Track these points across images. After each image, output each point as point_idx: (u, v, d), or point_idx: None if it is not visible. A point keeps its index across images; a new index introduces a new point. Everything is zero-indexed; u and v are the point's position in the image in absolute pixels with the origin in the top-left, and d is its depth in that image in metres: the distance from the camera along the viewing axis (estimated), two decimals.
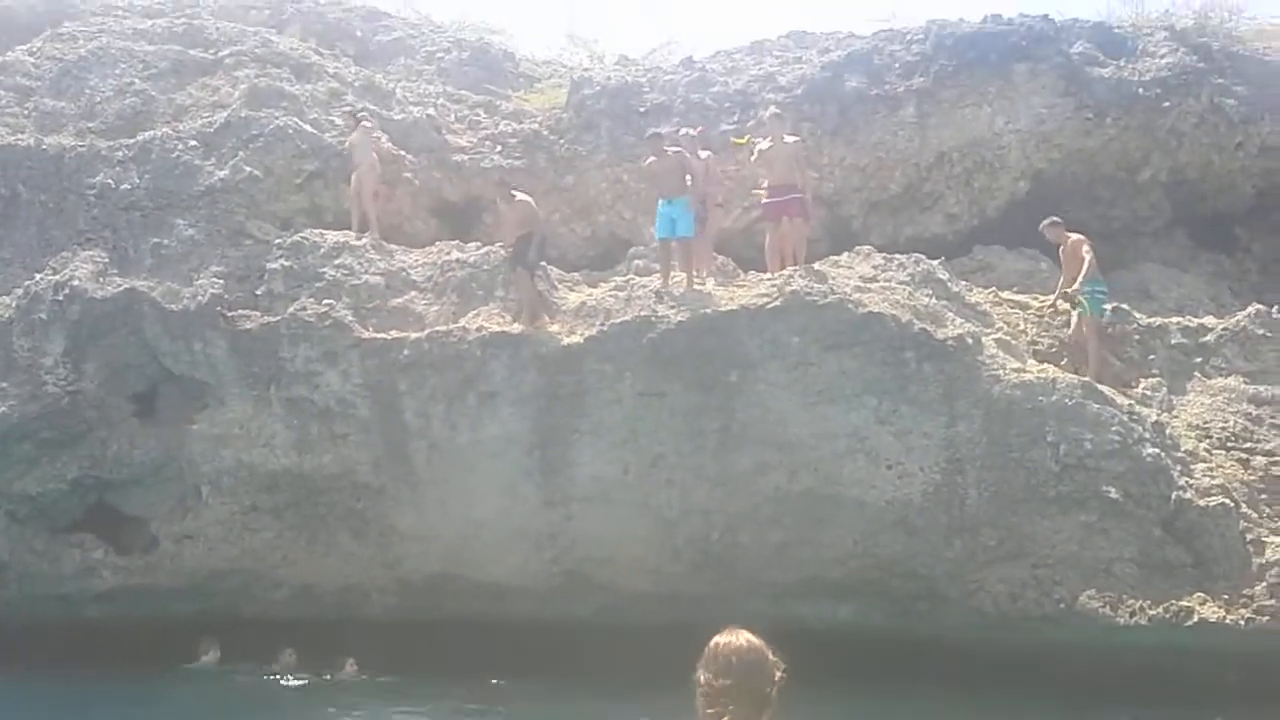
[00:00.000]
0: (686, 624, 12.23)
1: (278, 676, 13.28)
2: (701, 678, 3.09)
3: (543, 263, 13.92)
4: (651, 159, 13.70)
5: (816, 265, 13.45)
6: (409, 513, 13.37)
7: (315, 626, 13.44)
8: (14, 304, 13.78)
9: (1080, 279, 13.06)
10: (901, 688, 11.53)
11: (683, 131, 14.88)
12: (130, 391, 13.70)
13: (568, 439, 12.97)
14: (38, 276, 13.90)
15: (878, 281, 13.29)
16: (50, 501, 13.62)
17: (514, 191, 14.11)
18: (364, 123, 15.39)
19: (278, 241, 14.51)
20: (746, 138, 14.59)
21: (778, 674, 3.08)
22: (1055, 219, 13.73)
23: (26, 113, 16.20)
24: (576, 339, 13.13)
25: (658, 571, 12.92)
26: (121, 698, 12.11)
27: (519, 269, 13.51)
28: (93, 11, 19.04)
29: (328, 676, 13.29)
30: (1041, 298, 13.96)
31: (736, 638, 3.15)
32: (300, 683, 13.08)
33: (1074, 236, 13.45)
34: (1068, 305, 13.30)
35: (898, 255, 13.88)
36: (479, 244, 14.77)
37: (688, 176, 13.52)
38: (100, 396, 13.52)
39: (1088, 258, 13.10)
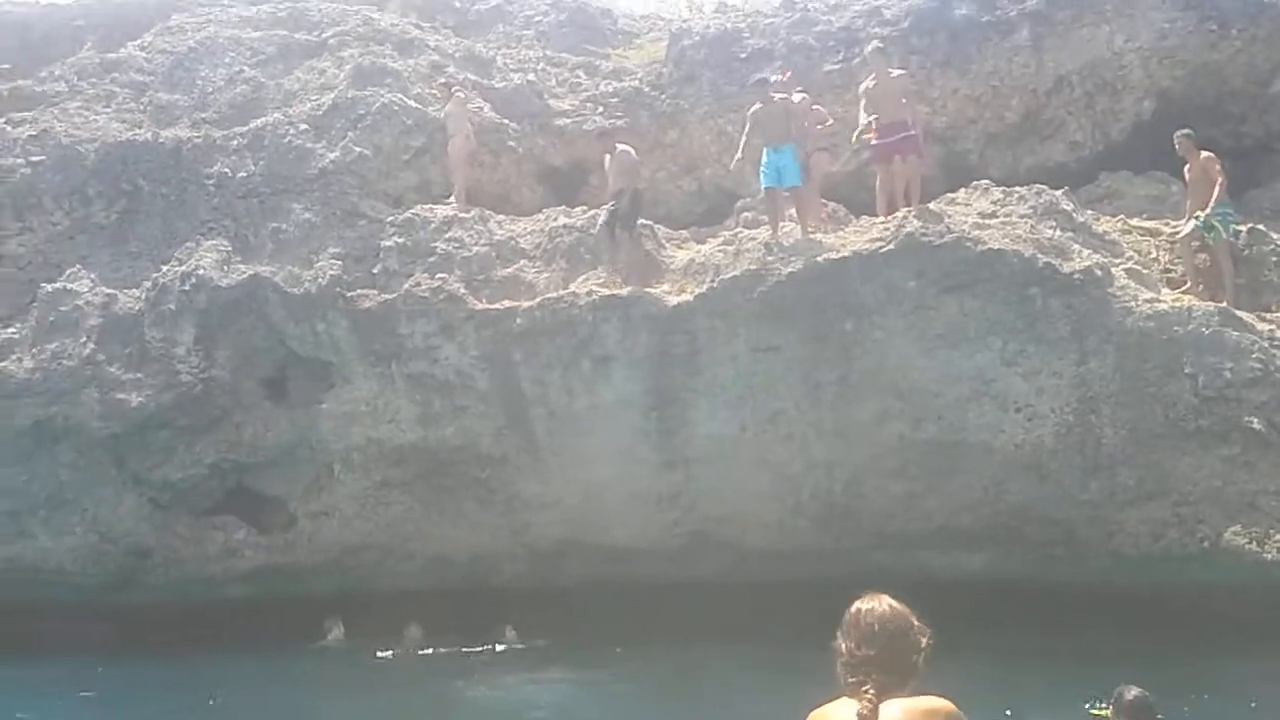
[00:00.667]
0: (812, 580, 12.27)
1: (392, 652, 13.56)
2: (843, 646, 2.97)
3: (641, 221, 13.82)
4: (757, 106, 13.40)
5: (932, 205, 13.01)
6: (532, 480, 13.52)
7: (453, 596, 13.74)
8: (143, 296, 14.26)
9: (1213, 203, 12.38)
10: (1042, 636, 11.23)
11: (774, 78, 14.54)
12: (260, 375, 14.10)
13: (684, 399, 12.91)
14: (164, 268, 14.34)
15: (997, 217, 12.80)
16: (190, 486, 14.15)
17: (616, 144, 14.00)
18: (457, 93, 15.41)
19: (390, 219, 14.69)
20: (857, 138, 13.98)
21: (924, 641, 2.96)
22: (1188, 131, 12.97)
23: (142, 107, 16.68)
24: (686, 297, 13.01)
25: (780, 527, 12.83)
26: (270, 676, 12.56)
27: (619, 230, 13.42)
28: (199, 3, 19.47)
29: (482, 649, 13.47)
30: (1173, 223, 13.26)
31: (879, 604, 3.02)
32: (427, 653, 13.37)
33: (1204, 154, 12.72)
34: (1199, 229, 12.60)
35: (1018, 188, 13.33)
36: (585, 208, 14.70)
37: (793, 125, 13.20)
38: (232, 382, 13.95)
39: (1220, 180, 12.39)
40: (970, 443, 11.94)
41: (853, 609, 3.03)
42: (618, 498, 13.18)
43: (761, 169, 13.14)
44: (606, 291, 13.25)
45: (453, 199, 14.95)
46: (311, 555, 13.99)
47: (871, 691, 2.90)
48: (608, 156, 14.05)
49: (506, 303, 13.54)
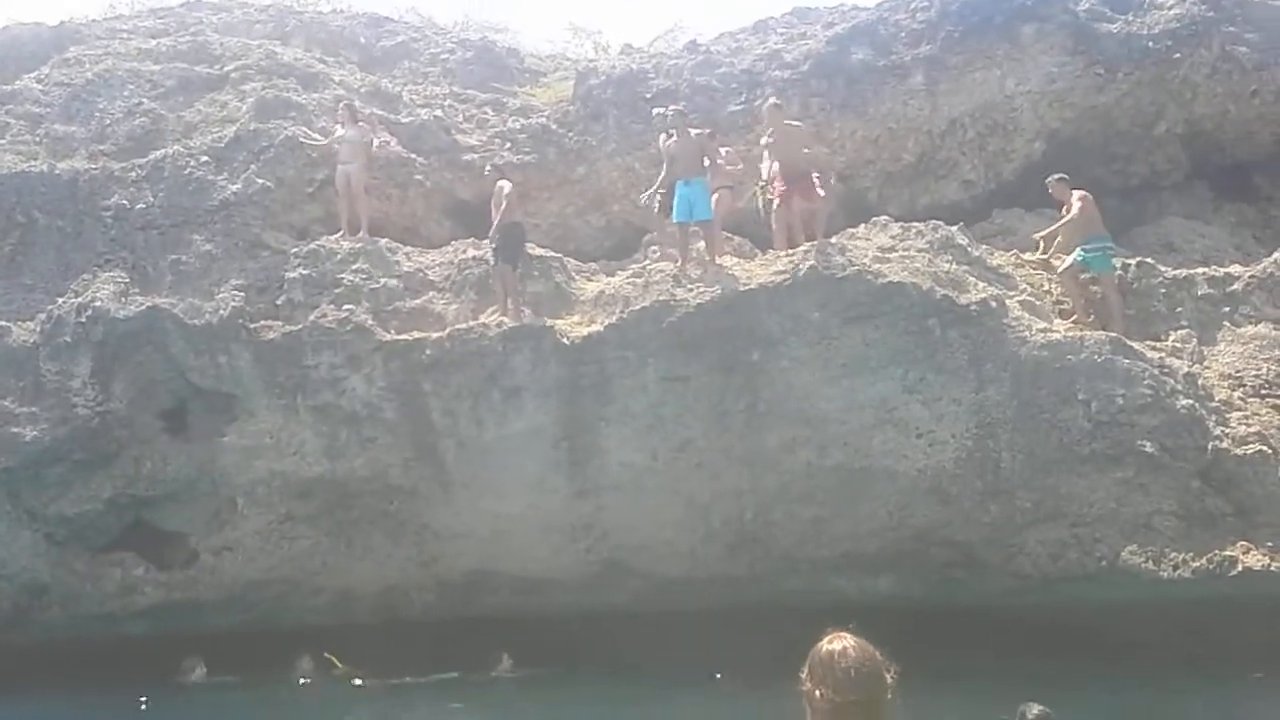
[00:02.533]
0: (727, 607, 12.37)
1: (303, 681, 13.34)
2: (818, 693, 2.86)
3: (548, 253, 13.92)
4: (672, 139, 13.61)
5: (833, 239, 13.37)
6: (442, 511, 13.41)
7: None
8: (38, 329, 13.84)
9: (1050, 229, 13.35)
10: (946, 658, 11.43)
11: (668, 110, 14.84)
12: (159, 408, 13.74)
13: (594, 428, 12.97)
14: (60, 300, 13.95)
15: (896, 251, 13.20)
16: (87, 522, 13.70)
17: (500, 180, 14.08)
18: (360, 121, 15.26)
19: (294, 250, 14.54)
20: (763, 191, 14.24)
21: (891, 679, 2.90)
22: (1060, 175, 13.63)
23: (38, 139, 16.27)
24: (597, 328, 13.12)
25: (693, 555, 12.92)
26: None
27: (500, 264, 13.47)
28: (98, 35, 19.11)
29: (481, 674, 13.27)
30: (1064, 258, 13.83)
31: (848, 646, 2.91)
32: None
33: (1076, 194, 13.34)
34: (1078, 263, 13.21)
35: (916, 223, 13.77)
36: None
37: (706, 159, 13.45)
38: (130, 415, 13.58)
39: (1075, 211, 13.03)
40: (875, 469, 12.21)
41: (823, 653, 2.92)
42: (529, 528, 13.14)
43: (673, 202, 13.34)
44: (516, 323, 13.28)
45: (344, 230, 14.62)
46: (214, 591, 13.61)
47: None
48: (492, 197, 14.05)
49: (416, 334, 13.47)
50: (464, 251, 14.54)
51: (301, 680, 13.45)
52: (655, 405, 12.77)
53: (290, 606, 13.72)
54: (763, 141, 13.93)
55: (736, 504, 12.65)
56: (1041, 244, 13.84)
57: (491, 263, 13.70)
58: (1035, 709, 8.52)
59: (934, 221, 13.81)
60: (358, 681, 13.30)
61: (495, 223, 13.63)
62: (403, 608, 13.72)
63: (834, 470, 12.31)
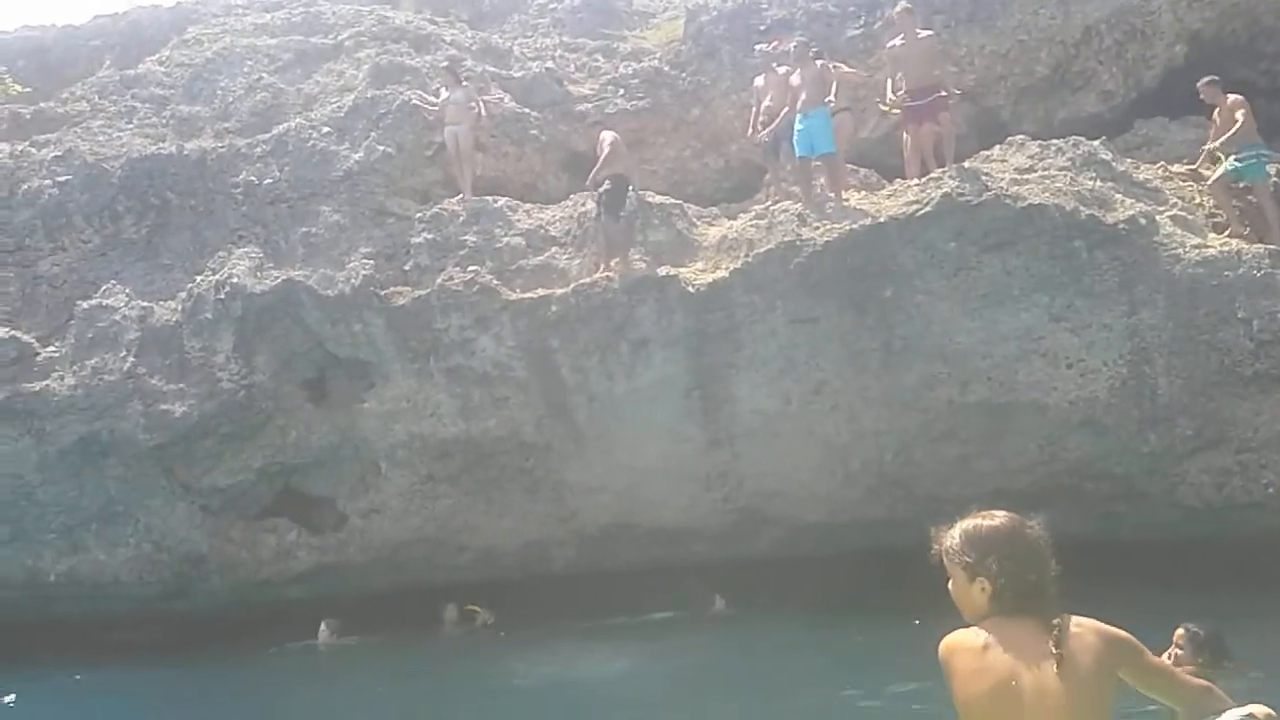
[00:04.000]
0: (869, 550, 12.09)
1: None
2: (1001, 567, 2.85)
3: (668, 200, 13.69)
4: (795, 71, 13.19)
5: (967, 163, 12.78)
6: (577, 466, 13.42)
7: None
8: (179, 307, 14.26)
9: (1221, 140, 12.15)
10: (1106, 591, 11.00)
11: (759, 47, 14.44)
12: (301, 378, 14.05)
13: (725, 376, 12.76)
14: (198, 278, 14.34)
15: (1035, 171, 12.53)
16: (240, 492, 14.15)
17: (602, 131, 13.88)
18: (464, 81, 15.17)
19: (418, 215, 14.62)
20: (890, 106, 13.68)
21: None
22: (1212, 78, 12.66)
23: (165, 121, 16.71)
24: (721, 274, 12.86)
25: (831, 500, 12.67)
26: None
27: (603, 216, 13.26)
28: (214, 14, 19.49)
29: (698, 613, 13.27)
30: (1213, 166, 12.96)
31: (1018, 521, 2.95)
32: None
33: (1231, 98, 12.40)
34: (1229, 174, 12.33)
35: (1054, 140, 13.05)
36: None
37: (832, 88, 12.99)
38: (273, 387, 13.91)
39: (1240, 119, 12.10)
40: (1022, 402, 11.72)
41: (1005, 526, 2.91)
42: (665, 479, 13.06)
43: (793, 137, 12.94)
44: (641, 273, 13.12)
45: (468, 192, 14.69)
46: (364, 553, 13.96)
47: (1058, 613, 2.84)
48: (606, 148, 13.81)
49: (540, 291, 13.44)
50: (583, 205, 14.37)
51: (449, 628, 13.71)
52: (786, 349, 12.48)
53: (437, 565, 13.97)
54: (888, 49, 13.32)
55: (875, 445, 12.32)
56: (1211, 158, 12.87)
57: (595, 216, 13.50)
58: (1204, 629, 8.15)
59: (1074, 137, 13.05)
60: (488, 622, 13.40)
61: (593, 175, 13.41)
62: (542, 563, 13.84)
63: (978, 406, 11.86)
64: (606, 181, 13.30)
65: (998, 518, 2.92)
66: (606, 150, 13.50)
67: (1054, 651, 2.76)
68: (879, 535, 12.18)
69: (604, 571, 13.31)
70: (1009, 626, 2.82)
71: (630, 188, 13.51)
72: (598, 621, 12.76)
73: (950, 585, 2.96)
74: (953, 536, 2.95)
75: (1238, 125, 12.14)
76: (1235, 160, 12.21)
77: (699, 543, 13.14)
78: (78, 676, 13.02)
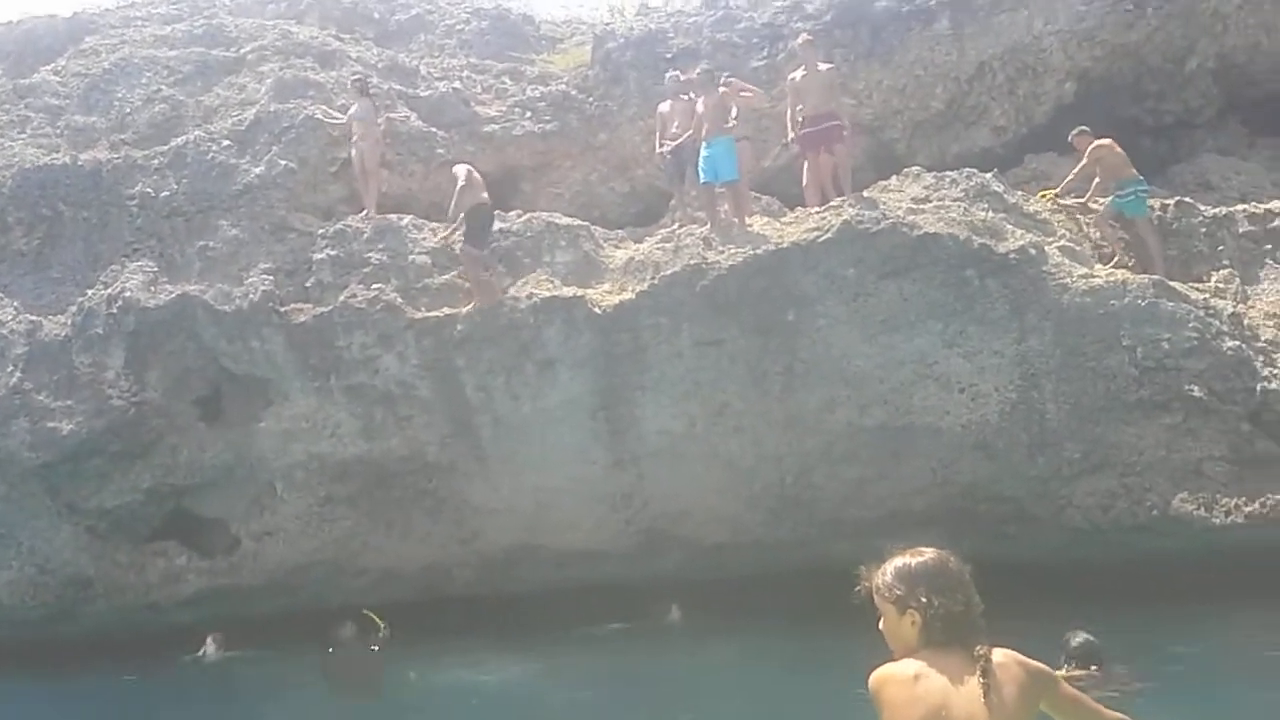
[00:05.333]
0: (771, 573, 12.24)
1: None
2: (932, 601, 2.91)
3: (579, 222, 13.84)
4: (699, 99, 13.38)
5: (865, 192, 13.13)
6: (481, 487, 13.34)
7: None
8: (69, 321, 13.83)
9: (1061, 188, 13.33)
10: (999, 612, 11.30)
11: (670, 74, 14.72)
12: (194, 396, 13.72)
13: (631, 397, 12.84)
14: (90, 292, 13.94)
15: (930, 201, 12.93)
16: (128, 513, 13.73)
17: (454, 166, 13.97)
18: (370, 96, 15.04)
19: (321, 232, 14.42)
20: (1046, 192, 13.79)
21: None
22: (1082, 129, 13.39)
23: (59, 131, 16.22)
24: (628, 295, 12.96)
25: (735, 521, 12.81)
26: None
27: (464, 246, 13.31)
28: (112, 24, 18.99)
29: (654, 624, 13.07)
30: (1101, 201, 13.51)
31: (945, 553, 3.02)
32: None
33: (1095, 143, 13.09)
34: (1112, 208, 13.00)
35: (949, 172, 13.48)
36: (519, 212, 14.59)
37: (733, 113, 13.22)
38: (165, 404, 13.57)
39: (1080, 164, 13.09)
40: (917, 426, 12.02)
41: (929, 560, 2.99)
42: (570, 500, 13.06)
43: (698, 165, 13.13)
44: (547, 294, 13.15)
45: (368, 208, 14.54)
46: (257, 576, 13.64)
47: (984, 643, 2.91)
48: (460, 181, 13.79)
49: (446, 310, 13.37)
50: (493, 221, 14.35)
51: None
52: (691, 371, 12.62)
53: (334, 588, 13.71)
54: (789, 80, 13.62)
55: (777, 468, 12.51)
56: (1049, 194, 13.59)
57: (458, 249, 13.50)
58: (1079, 635, 8.47)
59: (968, 169, 13.51)
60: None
61: (455, 207, 13.40)
62: (444, 585, 13.70)
63: (876, 429, 12.13)
64: (470, 211, 13.27)
65: (925, 553, 3.04)
66: (461, 183, 13.50)
67: (980, 681, 2.84)
68: (782, 556, 12.36)
69: (509, 594, 13.23)
70: (938, 658, 2.91)
71: (494, 216, 13.54)
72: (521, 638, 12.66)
73: (880, 622, 3.03)
74: (883, 573, 3.04)
75: (1076, 168, 13.13)
76: (1116, 197, 12.82)
77: (605, 564, 13.13)
78: None
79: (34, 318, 13.92)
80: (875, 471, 12.24)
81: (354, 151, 14.66)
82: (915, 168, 13.86)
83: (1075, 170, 13.27)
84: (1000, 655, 2.94)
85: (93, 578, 13.67)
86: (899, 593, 2.96)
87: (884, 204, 12.72)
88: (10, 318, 13.88)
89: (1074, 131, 13.44)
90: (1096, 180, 13.28)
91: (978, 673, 2.87)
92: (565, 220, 14.27)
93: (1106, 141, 13.11)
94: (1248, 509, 11.11)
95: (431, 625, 12.80)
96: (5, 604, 13.62)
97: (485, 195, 13.61)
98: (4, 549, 13.61)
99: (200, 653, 13.46)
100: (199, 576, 13.73)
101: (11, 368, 13.55)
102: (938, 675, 2.88)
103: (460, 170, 13.75)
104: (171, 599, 13.74)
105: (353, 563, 13.70)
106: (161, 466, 13.62)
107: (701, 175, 13.22)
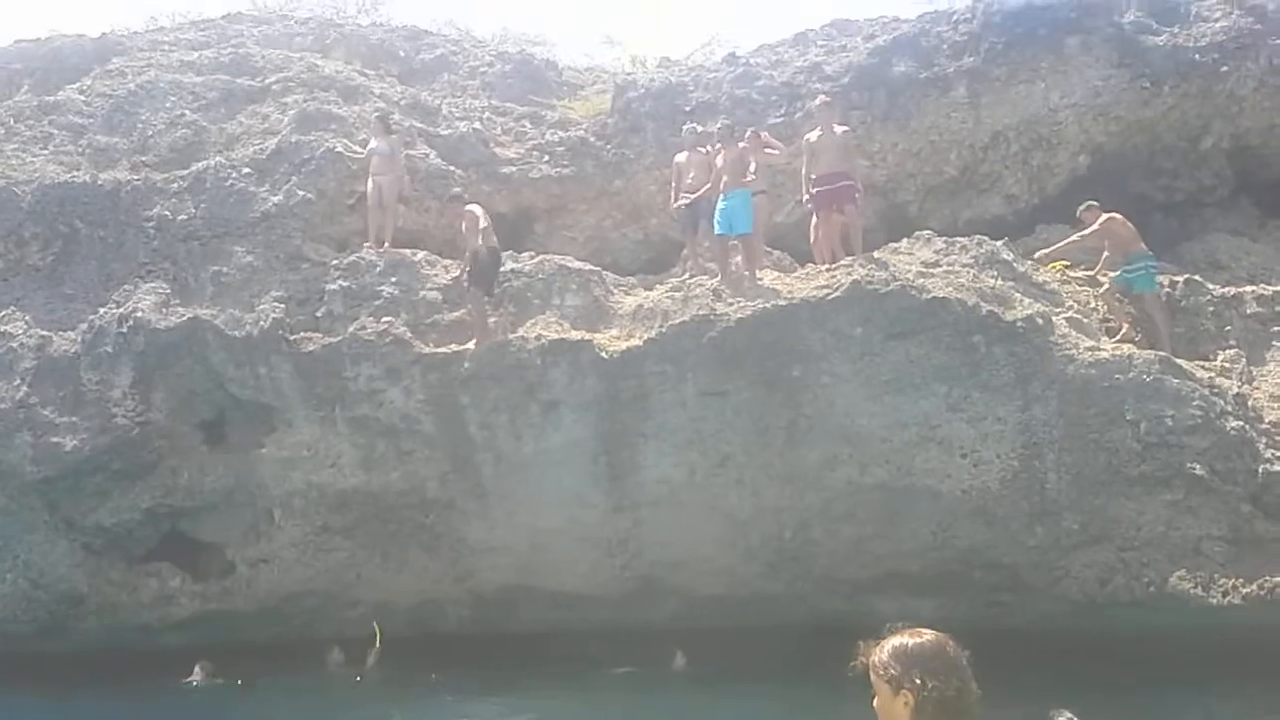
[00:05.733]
0: (766, 626, 12.19)
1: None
2: (928, 684, 2.88)
3: (587, 266, 13.95)
4: (720, 152, 13.54)
5: (875, 254, 13.24)
6: (478, 525, 13.34)
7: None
8: (79, 338, 13.91)
9: (1056, 248, 13.52)
10: (992, 680, 11.23)
11: (688, 126, 14.92)
12: (198, 419, 13.77)
13: (633, 443, 12.87)
14: (101, 310, 14.02)
15: (940, 266, 13.05)
16: (125, 532, 13.71)
17: (467, 205, 14.09)
18: (393, 133, 15.23)
19: (334, 263, 14.54)
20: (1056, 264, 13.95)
21: None
22: (1091, 203, 13.54)
23: (80, 150, 16.40)
24: (635, 342, 13.03)
25: (731, 573, 12.78)
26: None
27: (472, 288, 13.41)
28: (140, 47, 19.26)
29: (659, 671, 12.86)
30: (1109, 274, 13.62)
31: (943, 636, 2.98)
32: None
33: (1104, 216, 13.22)
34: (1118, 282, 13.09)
35: (959, 238, 13.61)
36: (532, 254, 14.71)
37: (751, 168, 13.36)
38: (169, 426, 13.60)
39: (1084, 232, 13.30)
40: (918, 488, 12.02)
41: (927, 643, 2.96)
42: (566, 543, 13.05)
43: (715, 216, 13.25)
44: (555, 336, 13.23)
45: (370, 240, 14.61)
46: (250, 603, 13.58)
47: None
48: (463, 222, 13.93)
49: (454, 346, 13.44)
50: (503, 264, 14.47)
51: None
52: (694, 420, 12.65)
53: (326, 619, 13.68)
54: (805, 140, 13.78)
55: (776, 521, 12.50)
56: (1044, 258, 13.70)
57: (466, 288, 13.60)
58: (1064, 715, 8.41)
59: (978, 236, 13.64)
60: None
61: (472, 249, 13.51)
62: (437, 621, 13.65)
63: (876, 489, 12.14)
64: (474, 254, 13.38)
65: (924, 635, 3.02)
66: (467, 224, 13.63)
67: None
68: (778, 611, 12.33)
69: (508, 634, 13.15)
70: None
71: (500, 260, 13.66)
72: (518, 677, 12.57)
73: (875, 701, 3.02)
74: (881, 651, 3.01)
75: (1077, 235, 13.38)
76: (1125, 271, 12.92)
77: (598, 609, 13.09)
78: None
79: (44, 333, 13.99)
80: (873, 531, 12.23)
81: (371, 185, 14.80)
82: (927, 231, 13.99)
83: (1077, 236, 13.39)
84: None
85: (86, 595, 13.62)
86: (894, 672, 2.96)
87: (894, 266, 12.82)
88: (21, 331, 13.95)
89: (1082, 206, 13.60)
90: (1106, 254, 13.39)
91: None
92: (577, 264, 14.38)
93: (1117, 216, 13.24)
94: (1245, 590, 11.07)
95: (425, 663, 12.73)
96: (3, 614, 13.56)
97: (494, 239, 13.74)
98: (1, 564, 13.57)
99: (190, 679, 13.35)
100: (191, 600, 13.67)
101: (19, 381, 13.60)
102: None
103: (473, 210, 13.86)
104: (163, 621, 13.67)
105: (346, 593, 13.65)
106: (161, 487, 13.61)
107: (717, 227, 13.34)
